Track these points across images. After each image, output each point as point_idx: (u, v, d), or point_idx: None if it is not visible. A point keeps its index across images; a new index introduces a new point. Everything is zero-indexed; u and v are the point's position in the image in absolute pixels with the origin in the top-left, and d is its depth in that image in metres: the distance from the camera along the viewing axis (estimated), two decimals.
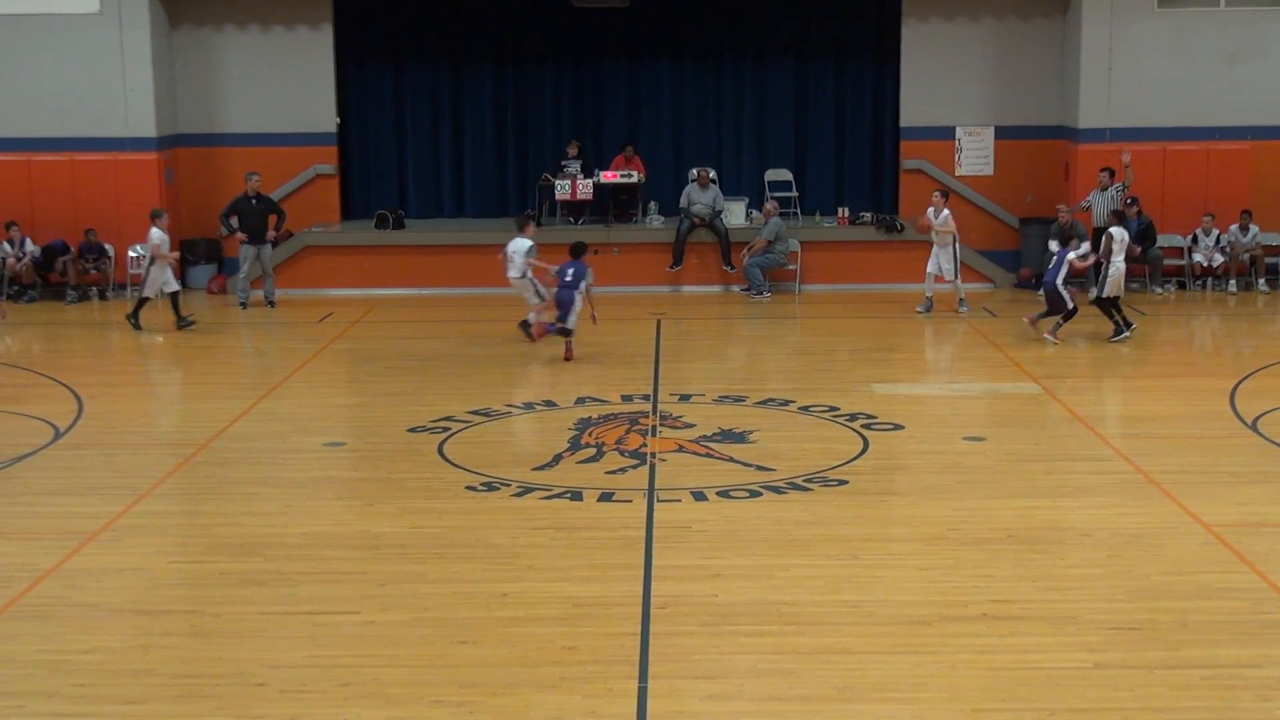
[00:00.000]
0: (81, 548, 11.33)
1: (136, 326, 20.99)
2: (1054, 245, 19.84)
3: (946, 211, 21.67)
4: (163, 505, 12.73)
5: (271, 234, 23.42)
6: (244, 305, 23.22)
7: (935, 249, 21.68)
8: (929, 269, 21.79)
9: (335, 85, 25.93)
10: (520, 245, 19.53)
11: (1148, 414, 15.80)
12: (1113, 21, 23.98)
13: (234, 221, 23.29)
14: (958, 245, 21.70)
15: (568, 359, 18.46)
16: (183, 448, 14.49)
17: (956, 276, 21.73)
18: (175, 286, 21.22)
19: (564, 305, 18.53)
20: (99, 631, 9.62)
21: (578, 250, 19.25)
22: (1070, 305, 19.19)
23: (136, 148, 24.56)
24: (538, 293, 19.36)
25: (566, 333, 18.52)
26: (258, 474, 13.67)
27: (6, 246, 24.10)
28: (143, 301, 21.22)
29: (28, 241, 24.04)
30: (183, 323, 21.02)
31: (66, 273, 24.15)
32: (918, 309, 21.74)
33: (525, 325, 19.54)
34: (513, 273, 19.51)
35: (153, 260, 21.01)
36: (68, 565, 10.93)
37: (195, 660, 9.11)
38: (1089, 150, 23.97)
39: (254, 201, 23.47)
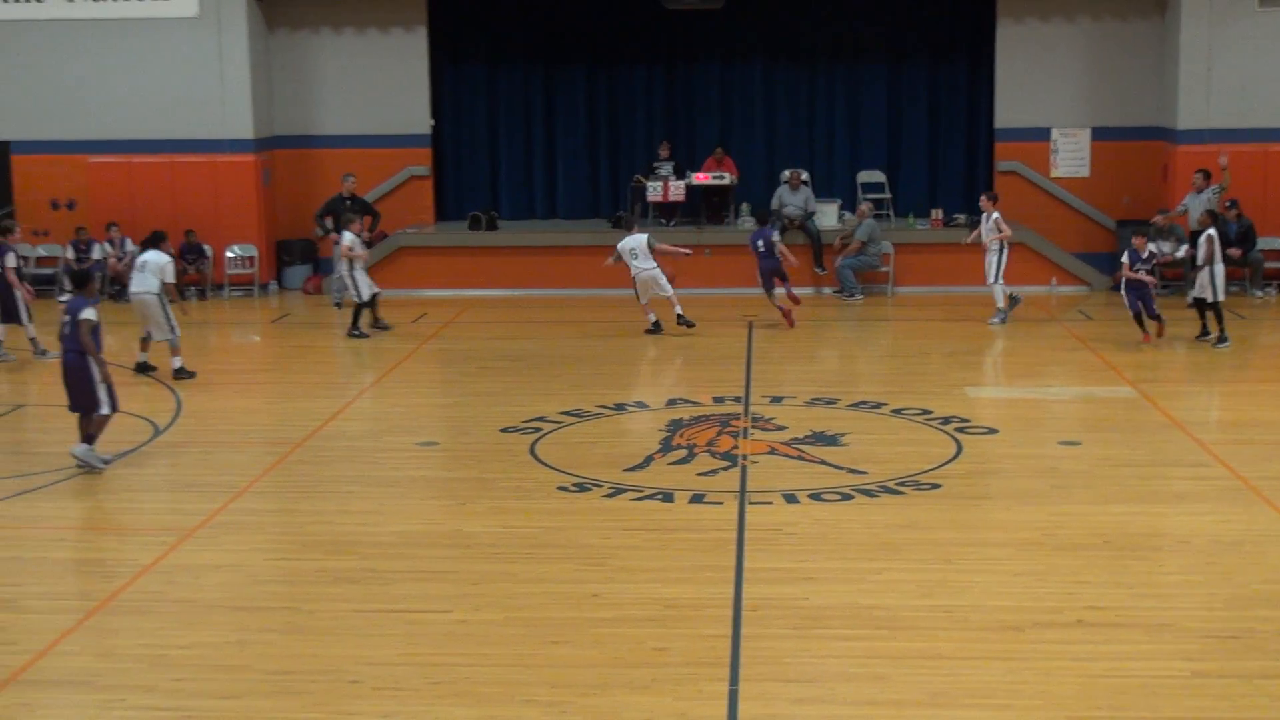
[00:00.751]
0: (180, 544, 11.49)
1: (361, 334, 20.80)
2: (1152, 247, 19.59)
3: (996, 215, 21.33)
4: (259, 503, 12.88)
5: (365, 235, 23.61)
6: (339, 305, 23.41)
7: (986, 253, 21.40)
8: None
9: (429, 87, 26.10)
10: (639, 240, 20.34)
11: (1247, 419, 15.57)
12: (1212, 21, 23.63)
13: (329, 222, 23.49)
14: (1004, 251, 21.24)
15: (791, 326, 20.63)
16: (279, 446, 14.65)
17: (997, 281, 21.27)
18: (375, 289, 21.23)
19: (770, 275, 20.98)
20: (197, 627, 9.74)
21: (763, 217, 21.65)
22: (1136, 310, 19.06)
23: (234, 149, 24.86)
24: (663, 285, 20.31)
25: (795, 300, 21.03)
26: (352, 472, 13.79)
27: (107, 247, 24.49)
28: (361, 309, 20.93)
29: (127, 242, 24.40)
30: (379, 325, 21.08)
31: (207, 275, 24.50)
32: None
33: (654, 326, 20.33)
34: (644, 263, 20.26)
35: (350, 265, 20.85)
36: (166, 561, 11.08)
37: (290, 656, 9.20)
38: (1188, 152, 23.63)
39: (349, 202, 23.67)
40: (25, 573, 10.95)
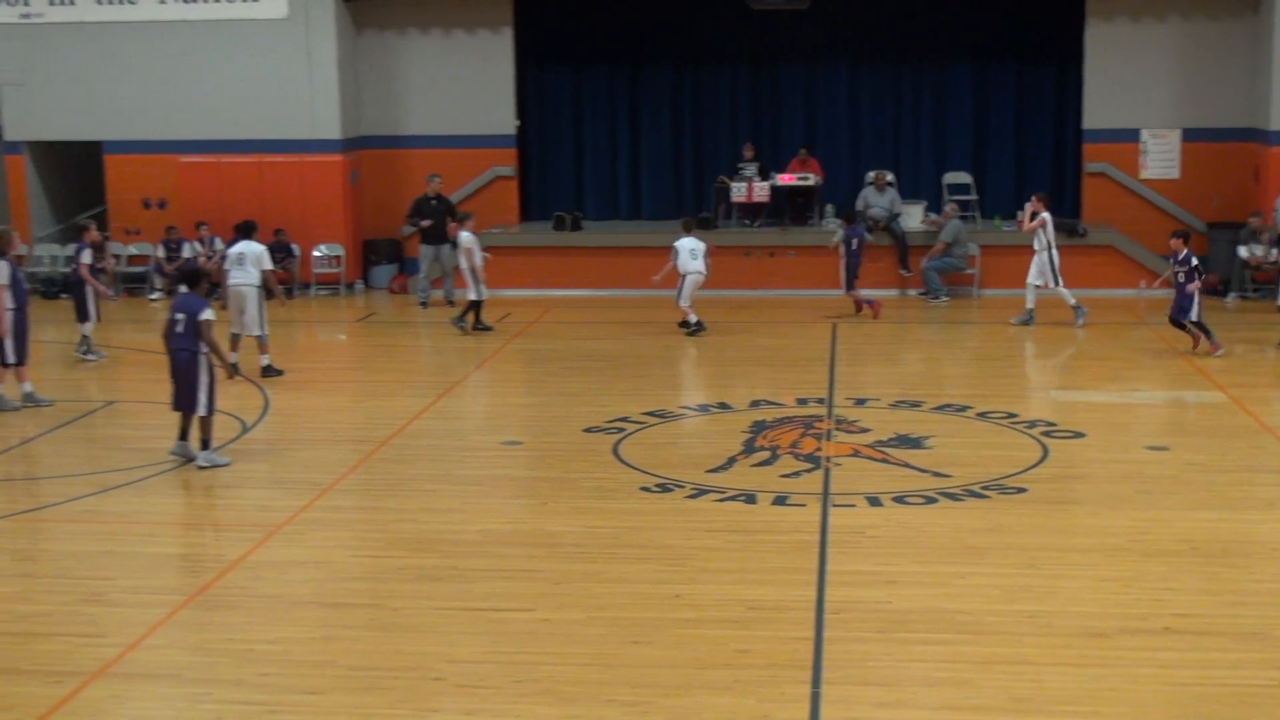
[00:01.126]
0: (267, 540, 11.61)
1: (465, 329, 20.99)
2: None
3: (1043, 216, 21.05)
4: (344, 500, 12.99)
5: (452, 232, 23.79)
6: (424, 304, 23.60)
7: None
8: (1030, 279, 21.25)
9: (515, 88, 26.21)
10: (698, 244, 20.65)
11: None
12: None
13: (419, 222, 23.68)
14: (1050, 252, 20.97)
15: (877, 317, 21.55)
16: (364, 444, 14.77)
17: (1057, 284, 21.02)
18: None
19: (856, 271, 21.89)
20: (283, 622, 9.85)
21: (850, 216, 22.48)
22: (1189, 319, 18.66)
23: (322, 149, 25.10)
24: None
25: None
26: (436, 471, 13.88)
27: (196, 245, 24.80)
28: (474, 305, 20.98)
29: (216, 241, 24.70)
30: (480, 326, 21.15)
31: (294, 274, 24.80)
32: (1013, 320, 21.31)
33: (697, 325, 20.28)
34: (700, 266, 20.58)
35: (471, 263, 20.81)
36: (253, 557, 11.21)
37: (375, 653, 9.27)
38: None
39: (434, 202, 23.86)
40: (116, 566, 11.11)
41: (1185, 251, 18.64)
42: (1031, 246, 21.17)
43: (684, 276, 20.64)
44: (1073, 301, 21.00)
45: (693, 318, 20.63)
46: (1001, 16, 26.13)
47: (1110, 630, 9.47)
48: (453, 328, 21.04)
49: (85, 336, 19.38)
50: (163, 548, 11.65)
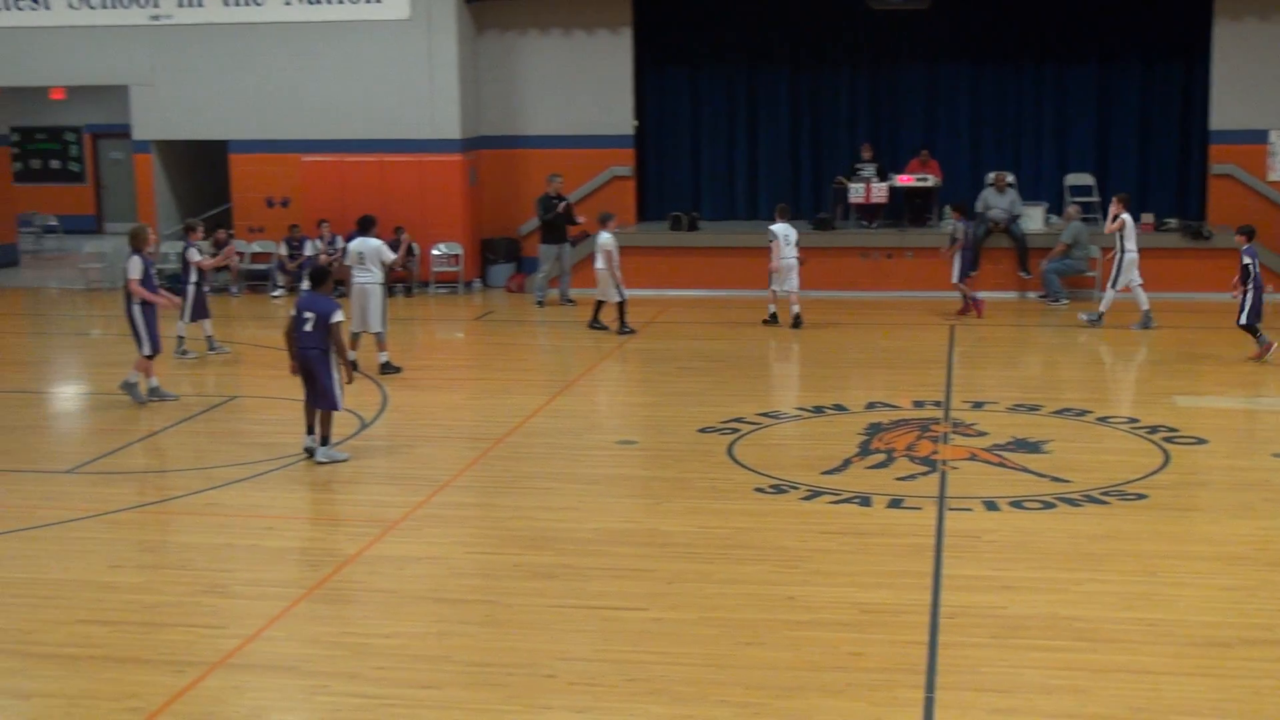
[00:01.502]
0: (384, 535, 11.74)
1: (613, 329, 21.01)
2: None
3: (1123, 218, 20.69)
4: (461, 497, 13.10)
5: (572, 233, 23.93)
6: (542, 303, 23.72)
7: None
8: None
9: (633, 88, 26.28)
10: (792, 230, 21.06)
11: None
12: None
13: (556, 206, 23.85)
14: (1122, 256, 20.61)
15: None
16: (480, 441, 14.89)
17: (1111, 287, 20.84)
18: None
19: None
20: (399, 617, 9.95)
21: (963, 210, 22.36)
22: None
23: (442, 149, 25.33)
24: (795, 279, 21.09)
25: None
26: (552, 469, 13.96)
27: (318, 243, 25.13)
28: (619, 306, 20.94)
29: (338, 239, 25.02)
30: (597, 325, 21.22)
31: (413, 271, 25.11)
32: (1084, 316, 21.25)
33: (772, 318, 20.72)
34: (794, 252, 20.92)
35: (610, 263, 20.85)
36: (370, 552, 11.34)
37: (489, 649, 9.34)
38: None
39: (556, 201, 24.00)
40: (237, 559, 11.29)
41: (1245, 248, 18.57)
42: (1124, 247, 20.82)
43: (784, 262, 20.66)
44: (1103, 309, 20.88)
45: (772, 308, 20.72)
46: (1126, 14, 25.74)
47: (1231, 640, 9.30)
48: (592, 330, 21.01)
49: (180, 337, 19.75)
50: (282, 541, 11.81)
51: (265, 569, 11.07)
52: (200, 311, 19.63)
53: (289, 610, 10.07)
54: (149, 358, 16.79)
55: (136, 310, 16.68)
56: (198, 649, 9.34)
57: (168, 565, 11.18)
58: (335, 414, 14.19)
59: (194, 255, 19.71)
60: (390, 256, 18.44)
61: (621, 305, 20.91)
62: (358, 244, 18.37)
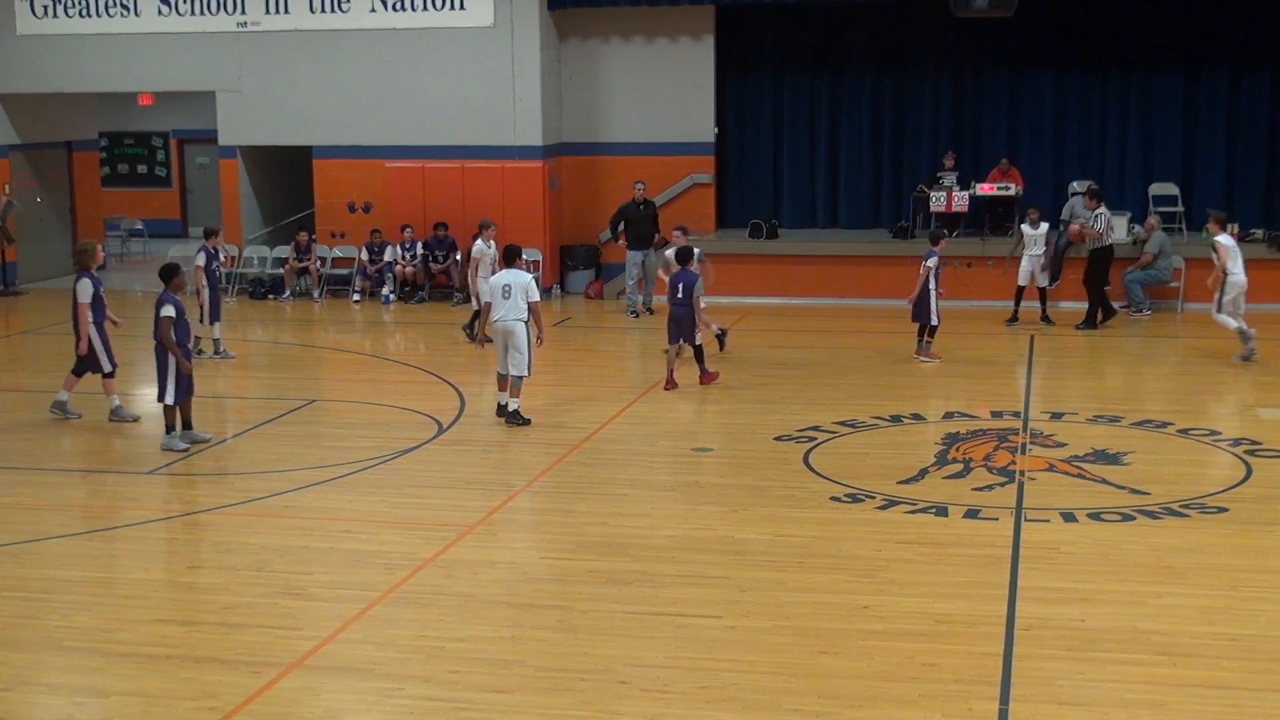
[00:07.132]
0: (459, 540, 11.80)
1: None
2: None
3: (1216, 240, 19.64)
4: (536, 502, 13.16)
5: (658, 239, 23.96)
6: (636, 314, 23.69)
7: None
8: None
9: (715, 96, 26.27)
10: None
11: None
12: None
13: (620, 227, 23.90)
14: (1225, 277, 19.52)
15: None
16: (556, 447, 14.93)
17: (1218, 312, 19.82)
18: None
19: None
20: (473, 621, 10.00)
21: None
22: None
23: (523, 156, 25.42)
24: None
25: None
26: (627, 475, 13.98)
27: (399, 249, 25.31)
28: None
29: (419, 245, 25.18)
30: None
31: (452, 275, 25.19)
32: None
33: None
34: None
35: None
36: (446, 556, 11.40)
37: (562, 654, 9.37)
38: None
39: (641, 208, 24.06)
40: (314, 562, 11.39)
41: None
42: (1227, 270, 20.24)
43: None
44: (1246, 343, 20.27)
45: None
46: (1215, 21, 25.42)
47: None
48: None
49: (216, 339, 19.93)
50: (358, 544, 11.90)
51: (342, 572, 11.16)
52: (214, 315, 19.89)
53: (365, 613, 10.14)
54: (109, 376, 16.29)
55: (93, 330, 16.07)
56: (274, 650, 9.43)
57: (246, 567, 11.29)
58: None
59: (201, 260, 19.91)
60: (536, 297, 16.02)
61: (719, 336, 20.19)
62: (506, 277, 15.98)
